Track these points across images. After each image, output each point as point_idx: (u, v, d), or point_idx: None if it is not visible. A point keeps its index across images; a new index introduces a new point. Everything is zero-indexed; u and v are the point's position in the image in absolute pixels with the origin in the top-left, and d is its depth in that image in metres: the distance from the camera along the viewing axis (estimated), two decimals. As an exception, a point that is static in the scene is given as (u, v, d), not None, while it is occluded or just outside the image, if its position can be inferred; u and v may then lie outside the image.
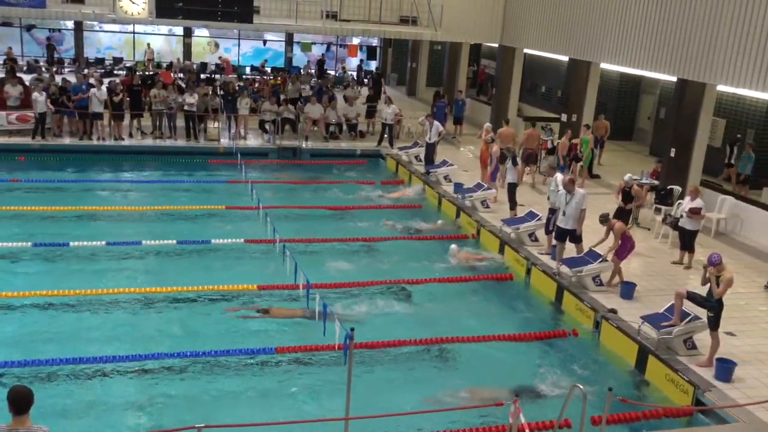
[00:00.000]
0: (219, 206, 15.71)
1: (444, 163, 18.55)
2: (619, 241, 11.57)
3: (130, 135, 20.47)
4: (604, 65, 19.74)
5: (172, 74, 27.27)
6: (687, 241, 12.93)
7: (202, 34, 33.97)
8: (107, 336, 9.83)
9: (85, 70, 25.36)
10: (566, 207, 12.11)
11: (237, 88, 22.19)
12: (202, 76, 29.02)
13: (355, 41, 36.32)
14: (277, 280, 11.65)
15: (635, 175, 15.54)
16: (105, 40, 33.80)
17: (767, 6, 13.07)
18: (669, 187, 15.51)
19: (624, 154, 22.45)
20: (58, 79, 21.22)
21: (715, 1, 14.36)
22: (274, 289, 11.46)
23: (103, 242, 12.95)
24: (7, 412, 4.91)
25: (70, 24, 32.03)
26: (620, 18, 17.61)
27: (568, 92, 21.34)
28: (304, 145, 21.11)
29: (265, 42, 35.46)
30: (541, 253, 13.20)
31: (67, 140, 19.69)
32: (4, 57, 28.18)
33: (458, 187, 16.81)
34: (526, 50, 23.89)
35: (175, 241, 13.29)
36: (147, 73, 27.63)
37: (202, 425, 6.16)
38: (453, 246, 13.70)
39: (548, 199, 13.64)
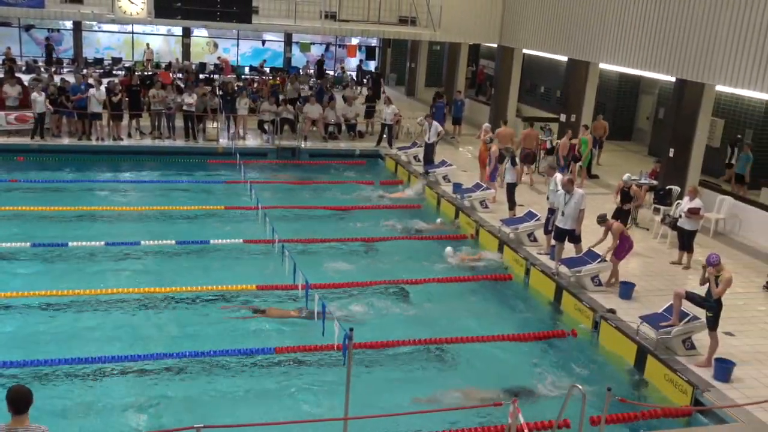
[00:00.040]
0: (218, 206, 15.71)
1: (443, 163, 18.55)
2: (618, 241, 11.60)
3: (129, 135, 20.46)
4: (602, 65, 19.74)
5: (170, 74, 27.21)
6: (686, 241, 12.94)
7: (200, 34, 33.96)
8: (106, 336, 9.83)
9: (84, 71, 25.31)
10: (565, 207, 12.13)
11: (236, 88, 22.16)
12: (201, 76, 28.95)
13: (354, 41, 36.31)
14: (276, 280, 11.65)
15: (634, 176, 15.53)
16: (104, 40, 33.77)
17: (766, 6, 13.09)
18: (668, 187, 15.52)
19: (623, 154, 22.46)
20: (56, 79, 21.21)
21: (713, 1, 14.38)
22: (273, 290, 11.45)
23: (102, 242, 12.96)
24: (6, 412, 4.92)
25: (68, 24, 32.00)
26: (619, 18, 17.62)
27: (566, 92, 21.33)
28: (303, 146, 21.11)
29: (264, 42, 35.44)
30: (540, 253, 13.20)
31: (65, 140, 19.68)
32: (3, 57, 28.08)
33: (457, 187, 16.81)
34: (524, 50, 23.91)
35: (174, 242, 13.29)
36: (146, 73, 27.57)
37: (201, 425, 6.16)
38: (448, 248, 13.70)
39: (547, 199, 13.65)
